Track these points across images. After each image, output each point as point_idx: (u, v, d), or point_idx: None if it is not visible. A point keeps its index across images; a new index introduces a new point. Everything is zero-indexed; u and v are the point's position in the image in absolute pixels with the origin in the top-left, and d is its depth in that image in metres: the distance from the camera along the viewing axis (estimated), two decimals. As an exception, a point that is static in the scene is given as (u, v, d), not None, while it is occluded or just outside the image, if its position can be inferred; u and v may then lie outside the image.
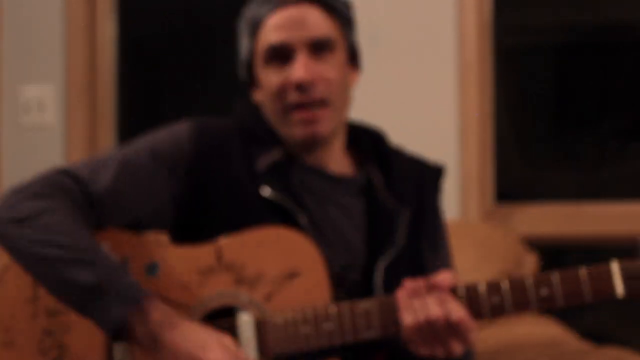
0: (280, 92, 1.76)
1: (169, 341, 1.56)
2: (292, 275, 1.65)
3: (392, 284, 1.68)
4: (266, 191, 1.72)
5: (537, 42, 3.35)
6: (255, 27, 1.79)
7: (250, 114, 1.84)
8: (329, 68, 1.77)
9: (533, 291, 1.61)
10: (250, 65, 1.82)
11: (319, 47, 1.76)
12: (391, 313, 1.62)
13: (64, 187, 1.67)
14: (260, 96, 1.82)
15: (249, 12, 1.81)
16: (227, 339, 1.58)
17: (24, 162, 3.25)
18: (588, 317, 3.10)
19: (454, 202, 2.96)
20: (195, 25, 3.53)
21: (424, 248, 1.82)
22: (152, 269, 1.65)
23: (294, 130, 1.77)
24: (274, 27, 1.76)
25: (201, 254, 1.66)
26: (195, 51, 3.51)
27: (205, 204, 1.73)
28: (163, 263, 1.66)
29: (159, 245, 1.69)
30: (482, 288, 1.62)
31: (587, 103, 3.31)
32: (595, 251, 3.21)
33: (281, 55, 1.76)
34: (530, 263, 2.80)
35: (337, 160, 1.83)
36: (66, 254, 1.59)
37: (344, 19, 1.82)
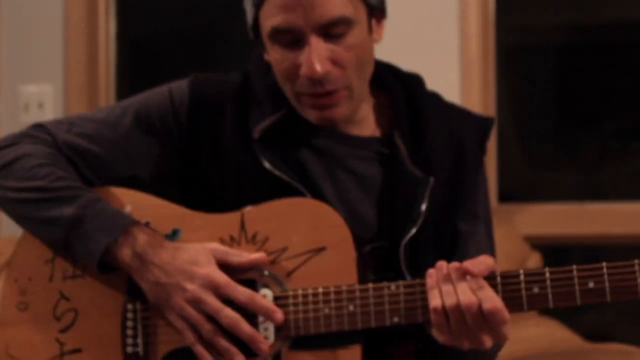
0: (290, 76, 1.58)
1: (158, 260, 1.52)
2: (317, 250, 1.53)
3: (416, 264, 1.56)
4: (262, 161, 1.60)
5: (540, 42, 3.34)
6: None
7: (257, 73, 1.68)
8: (344, 50, 1.56)
9: (578, 283, 1.44)
10: (257, 31, 1.63)
11: (332, 28, 1.55)
12: (418, 299, 1.48)
13: (31, 134, 1.66)
14: (268, 57, 1.64)
15: None
16: (214, 245, 1.54)
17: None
18: (590, 317, 3.09)
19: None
20: (195, 24, 3.52)
21: (459, 218, 1.65)
22: (173, 234, 1.59)
23: (307, 112, 1.60)
24: (279, 7, 1.54)
25: (225, 223, 1.58)
26: (196, 50, 3.50)
27: (200, 172, 1.65)
28: (186, 230, 1.59)
29: (185, 211, 1.61)
30: (522, 276, 1.46)
31: (589, 103, 3.30)
32: (598, 251, 3.21)
33: (288, 37, 1.56)
34: (533, 262, 2.79)
35: (360, 119, 1.67)
36: (44, 195, 1.58)
37: None
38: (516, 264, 2.75)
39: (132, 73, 3.50)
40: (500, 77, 3.10)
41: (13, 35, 3.31)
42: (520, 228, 2.96)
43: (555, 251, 3.16)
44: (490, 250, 1.72)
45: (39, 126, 1.69)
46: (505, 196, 3.11)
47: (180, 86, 1.69)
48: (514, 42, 3.24)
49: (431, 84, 3.07)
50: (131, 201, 1.62)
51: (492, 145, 3.07)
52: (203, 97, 1.67)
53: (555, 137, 3.32)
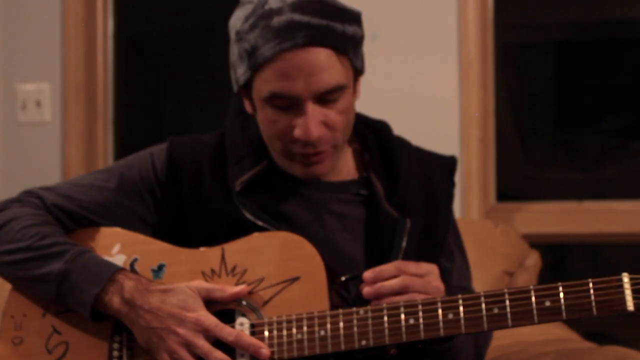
0: (281, 136, 1.66)
1: (147, 305, 1.61)
2: (292, 280, 1.63)
3: None
4: (243, 212, 1.69)
5: (539, 40, 3.34)
6: (257, 64, 1.62)
7: (235, 130, 1.78)
8: (336, 114, 1.65)
9: (535, 302, 1.51)
10: (245, 88, 1.70)
11: (328, 95, 1.63)
12: (385, 322, 1.56)
13: (20, 199, 1.77)
14: (251, 110, 1.73)
15: (249, 34, 1.63)
16: (198, 283, 1.63)
17: (20, 159, 3.24)
18: (590, 317, 3.09)
19: (455, 201, 2.94)
20: (193, 21, 3.52)
21: (440, 255, 1.76)
22: (158, 269, 1.68)
23: (294, 168, 1.70)
24: (279, 74, 1.61)
25: (206, 257, 1.68)
26: (193, 48, 3.50)
27: (184, 226, 1.74)
28: (170, 264, 1.69)
29: (169, 247, 1.71)
30: (482, 297, 1.53)
31: (589, 101, 3.30)
32: (597, 250, 3.20)
33: (285, 102, 1.63)
34: (532, 260, 2.79)
35: (339, 166, 1.76)
36: (32, 254, 1.68)
37: (354, 47, 1.66)
38: (515, 263, 2.75)
39: (130, 71, 3.50)
40: (499, 76, 3.10)
41: (11, 33, 3.31)
42: (519, 227, 2.96)
43: (555, 250, 3.16)
44: (468, 273, 1.87)
45: (28, 192, 1.79)
46: (504, 195, 3.11)
47: (161, 149, 1.80)
48: (512, 40, 3.23)
49: (430, 83, 3.08)
50: (120, 239, 1.73)
51: (490, 143, 3.07)
52: (180, 158, 1.76)
53: (554, 135, 3.32)
